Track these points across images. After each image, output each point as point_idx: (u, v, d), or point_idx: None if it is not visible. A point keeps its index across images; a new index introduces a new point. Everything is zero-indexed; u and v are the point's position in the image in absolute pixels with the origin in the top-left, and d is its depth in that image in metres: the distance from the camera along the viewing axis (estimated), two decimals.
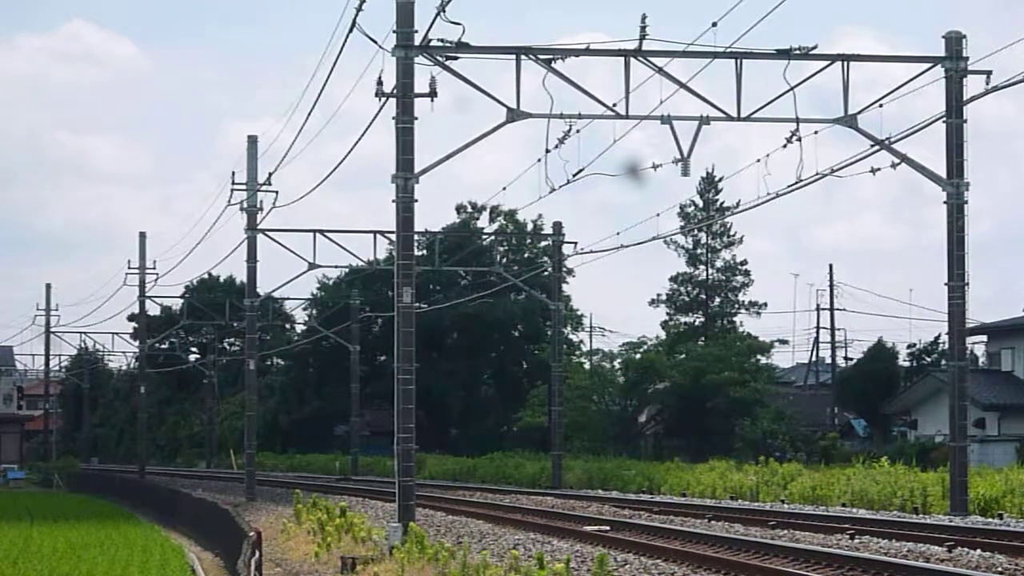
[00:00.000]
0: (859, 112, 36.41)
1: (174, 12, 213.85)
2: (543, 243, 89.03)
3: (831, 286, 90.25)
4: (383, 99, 32.62)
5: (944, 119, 36.57)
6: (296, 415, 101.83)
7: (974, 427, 58.32)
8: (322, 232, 56.99)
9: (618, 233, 51.66)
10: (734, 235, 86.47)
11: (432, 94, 32.55)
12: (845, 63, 35.74)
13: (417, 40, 32.10)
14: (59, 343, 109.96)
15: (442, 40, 32.75)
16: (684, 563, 24.68)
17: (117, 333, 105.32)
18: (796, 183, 36.51)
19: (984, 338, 72.72)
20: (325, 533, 31.55)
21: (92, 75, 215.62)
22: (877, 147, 36.47)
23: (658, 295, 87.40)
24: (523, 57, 34.10)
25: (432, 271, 74.53)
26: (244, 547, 25.29)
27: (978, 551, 25.16)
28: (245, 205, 56.03)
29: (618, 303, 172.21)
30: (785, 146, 36.12)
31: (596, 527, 32.70)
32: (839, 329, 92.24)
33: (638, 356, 79.31)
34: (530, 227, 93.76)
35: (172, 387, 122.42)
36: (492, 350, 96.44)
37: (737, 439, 72.70)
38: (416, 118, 31.94)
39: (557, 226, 60.57)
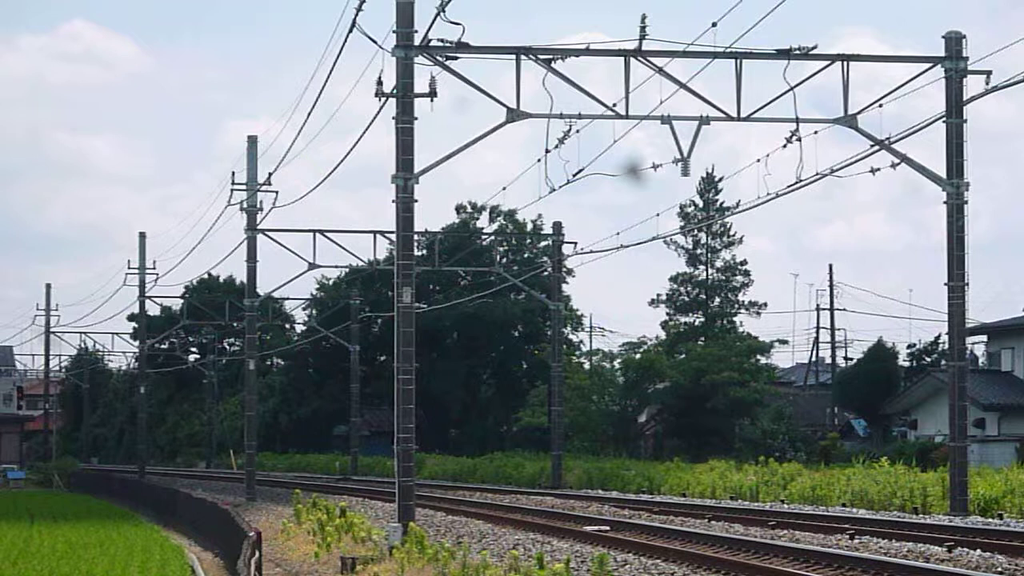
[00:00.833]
0: (859, 112, 36.42)
1: (174, 12, 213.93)
2: (543, 243, 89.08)
3: (831, 286, 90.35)
4: (383, 99, 32.63)
5: (944, 119, 36.58)
6: (296, 415, 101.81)
7: (974, 427, 58.31)
8: (322, 232, 57.03)
9: (618, 233, 51.73)
10: (734, 235, 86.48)
11: (432, 94, 32.54)
12: (845, 63, 35.75)
13: (417, 40, 32.11)
14: (59, 343, 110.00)
15: (442, 40, 32.76)
16: (684, 563, 24.69)
17: (117, 333, 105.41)
18: (796, 183, 36.53)
19: (984, 338, 72.71)
20: (325, 533, 31.55)
21: (92, 75, 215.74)
22: (877, 147, 36.48)
23: (658, 295, 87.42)
24: (523, 57, 34.11)
25: (432, 271, 74.52)
26: (244, 547, 25.27)
27: (978, 551, 25.16)
28: (245, 205, 56.05)
29: (618, 303, 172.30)
30: (785, 146, 36.14)
31: (596, 527, 32.70)
32: (839, 329, 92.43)
33: (638, 356, 79.29)
34: (530, 227, 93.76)
35: (172, 387, 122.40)
36: (492, 350, 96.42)
37: (737, 439, 72.69)
38: (416, 118, 31.96)
39: (557, 226, 60.57)
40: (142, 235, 79.79)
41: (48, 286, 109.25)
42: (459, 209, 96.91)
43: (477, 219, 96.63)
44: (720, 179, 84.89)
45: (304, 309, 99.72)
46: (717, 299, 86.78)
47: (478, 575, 22.01)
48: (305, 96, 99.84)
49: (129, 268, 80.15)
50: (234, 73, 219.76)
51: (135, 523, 48.35)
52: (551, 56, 34.22)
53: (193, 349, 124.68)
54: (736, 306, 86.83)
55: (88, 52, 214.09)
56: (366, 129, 36.14)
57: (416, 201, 32.17)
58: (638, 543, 28.08)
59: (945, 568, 21.78)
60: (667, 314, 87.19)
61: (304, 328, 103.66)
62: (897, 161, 36.64)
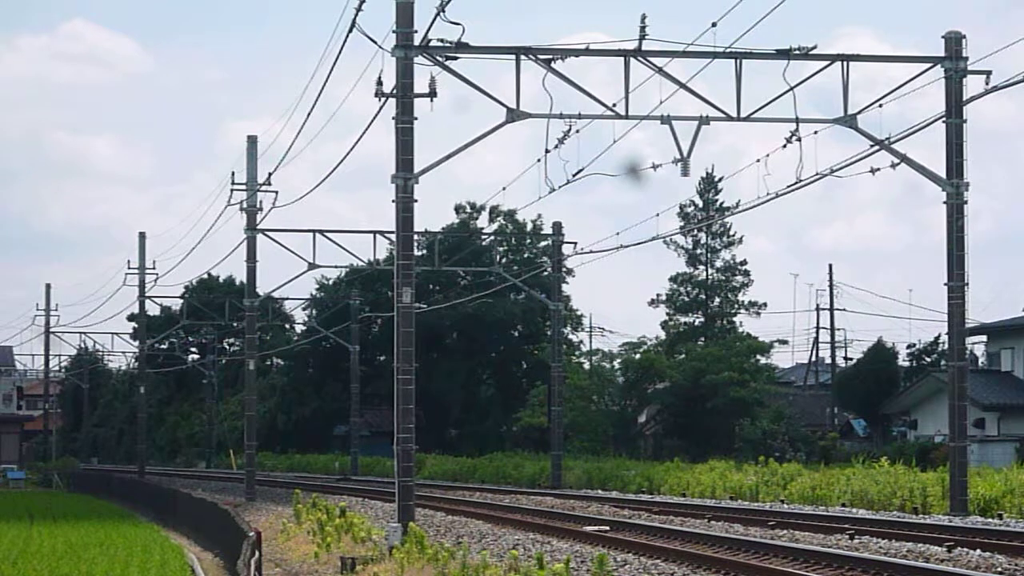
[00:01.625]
0: (859, 112, 36.42)
1: (174, 12, 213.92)
2: (543, 243, 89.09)
3: (831, 286, 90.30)
4: (383, 99, 32.66)
5: (944, 119, 36.58)
6: (296, 415, 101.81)
7: (974, 427, 58.32)
8: (322, 232, 57.02)
9: (618, 233, 51.76)
10: (734, 235, 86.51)
11: (432, 94, 32.56)
12: (845, 63, 35.75)
13: (417, 40, 32.12)
14: (59, 343, 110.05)
15: (442, 40, 32.76)
16: (684, 563, 24.69)
17: (117, 333, 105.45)
18: (796, 183, 36.53)
19: (984, 338, 72.73)
20: (325, 533, 31.55)
21: (92, 75, 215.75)
22: (877, 147, 36.48)
23: (658, 295, 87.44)
24: (523, 57, 34.11)
25: (432, 271, 74.53)
26: (244, 547, 25.27)
27: (978, 551, 25.16)
28: (245, 205, 56.08)
29: (618, 303, 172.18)
30: (785, 146, 36.14)
31: (596, 527, 32.70)
32: (839, 329, 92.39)
33: (638, 356, 79.29)
34: (530, 227, 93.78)
35: (172, 387, 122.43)
36: (492, 350, 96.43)
37: (737, 439, 72.69)
38: (416, 118, 31.98)
39: (557, 226, 60.56)
40: (142, 235, 79.84)
41: (48, 286, 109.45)
42: (459, 209, 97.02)
43: (477, 219, 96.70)
44: (720, 179, 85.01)
45: (304, 309, 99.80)
46: (717, 299, 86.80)
47: (478, 575, 22.01)
48: (305, 96, 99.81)
49: (129, 268, 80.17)
50: (234, 73, 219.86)
51: (135, 523, 48.34)
52: (551, 56, 34.23)
53: (193, 349, 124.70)
54: (736, 306, 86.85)
55: (88, 52, 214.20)
56: (366, 129, 36.22)
57: (416, 201, 32.20)
58: (638, 543, 28.08)
59: (945, 568, 21.78)
60: (667, 314, 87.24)
61: (304, 328, 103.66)
62: (897, 161, 36.65)
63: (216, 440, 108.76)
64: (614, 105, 34.92)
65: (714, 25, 32.66)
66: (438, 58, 32.99)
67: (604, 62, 36.75)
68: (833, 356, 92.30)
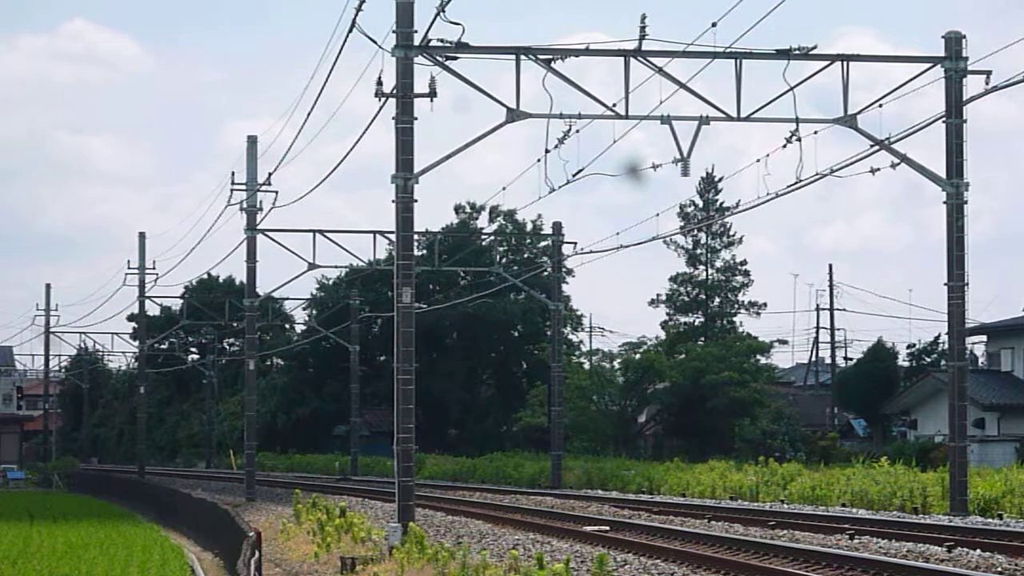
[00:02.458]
0: (859, 112, 36.41)
1: (174, 12, 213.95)
2: (543, 243, 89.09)
3: (831, 286, 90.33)
4: (383, 99, 32.64)
5: (944, 119, 36.58)
6: (296, 415, 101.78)
7: (974, 427, 58.32)
8: (322, 232, 57.02)
9: (618, 233, 51.74)
10: (734, 235, 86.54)
11: (432, 94, 32.55)
12: (845, 63, 35.74)
13: (417, 40, 32.11)
14: (59, 343, 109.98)
15: (442, 40, 32.75)
16: (684, 563, 24.69)
17: (117, 333, 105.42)
18: (796, 183, 36.52)
19: (984, 338, 72.71)
20: (325, 533, 31.56)
21: (93, 75, 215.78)
22: (877, 147, 36.48)
23: (658, 295, 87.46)
24: (523, 57, 34.10)
25: (432, 271, 74.51)
26: (244, 547, 25.27)
27: (978, 551, 25.16)
28: (245, 205, 56.07)
29: (618, 303, 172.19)
30: (785, 146, 36.13)
31: (596, 527, 32.70)
32: (839, 329, 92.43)
33: (638, 356, 79.27)
34: (530, 227, 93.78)
35: (171, 387, 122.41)
36: (492, 350, 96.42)
37: (737, 439, 72.68)
38: (416, 118, 31.97)
39: (557, 226, 60.56)
40: (142, 235, 79.86)
41: (48, 286, 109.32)
42: (459, 209, 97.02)
43: (477, 219, 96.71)
44: (720, 179, 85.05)
45: (304, 309, 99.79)
46: (717, 299, 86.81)
47: (478, 575, 22.01)
48: (305, 96, 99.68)
49: (129, 268, 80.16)
50: (234, 73, 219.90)
51: (135, 523, 48.34)
52: (551, 56, 34.21)
53: (193, 349, 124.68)
54: (736, 306, 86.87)
55: (89, 52, 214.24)
56: (366, 129, 36.20)
57: (416, 201, 32.19)
58: (638, 543, 28.08)
59: (945, 568, 21.78)
60: (667, 314, 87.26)
61: (304, 328, 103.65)
62: (897, 161, 36.64)
63: (216, 440, 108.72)
64: (614, 105, 34.92)
65: (714, 25, 32.68)
66: (438, 58, 32.98)
67: (604, 62, 36.79)
68: (833, 356, 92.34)
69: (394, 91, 32.00)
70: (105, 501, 67.63)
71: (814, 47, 35.29)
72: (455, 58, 33.20)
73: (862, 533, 29.11)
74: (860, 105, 36.61)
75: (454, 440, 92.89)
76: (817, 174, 36.56)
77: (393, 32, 31.83)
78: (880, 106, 36.33)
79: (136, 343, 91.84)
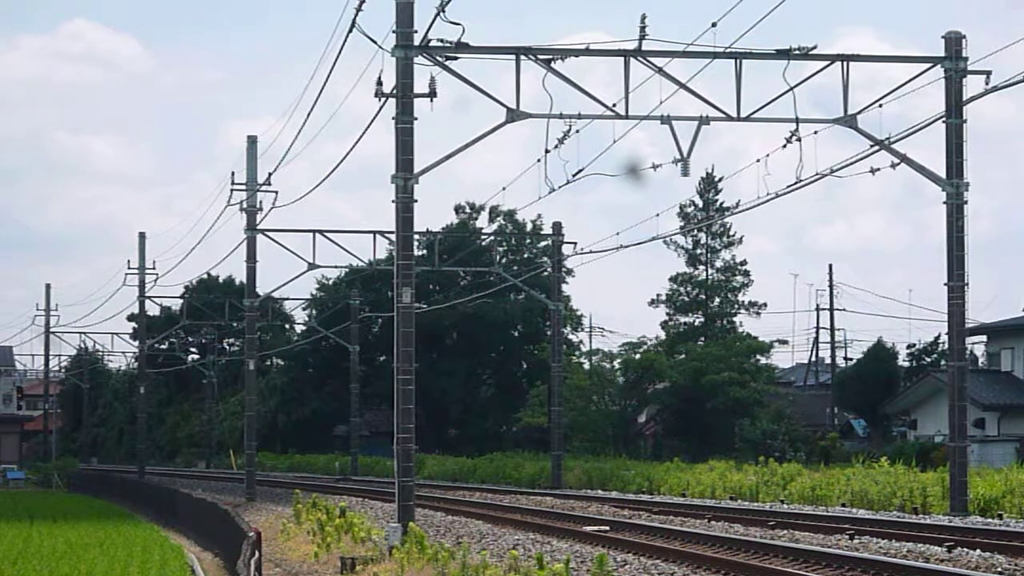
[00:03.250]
0: (859, 112, 36.41)
1: (174, 12, 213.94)
2: (543, 243, 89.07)
3: (831, 286, 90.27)
4: (383, 99, 32.65)
5: (944, 119, 36.58)
6: (296, 415, 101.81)
7: (974, 427, 58.31)
8: (322, 232, 57.01)
9: (618, 233, 51.80)
10: (734, 235, 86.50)
11: (432, 94, 32.56)
12: (845, 63, 35.74)
13: (417, 40, 32.12)
14: (59, 343, 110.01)
15: (442, 40, 32.75)
16: (684, 563, 24.69)
17: (117, 333, 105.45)
18: (796, 183, 36.51)
19: (984, 338, 72.69)
20: (325, 533, 31.56)
21: (93, 75, 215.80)
22: (877, 147, 36.47)
23: (658, 295, 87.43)
24: (523, 57, 34.10)
25: (432, 271, 74.50)
26: (244, 547, 25.26)
27: (978, 551, 25.16)
28: (245, 205, 56.08)
29: (618, 303, 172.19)
30: (785, 146, 36.12)
31: (596, 527, 32.70)
32: (839, 329, 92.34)
33: (638, 356, 79.27)
34: (530, 227, 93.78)
35: (171, 387, 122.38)
36: (492, 350, 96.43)
37: (737, 439, 72.66)
38: (416, 118, 31.98)
39: (557, 226, 60.56)
40: (142, 235, 79.84)
41: (48, 286, 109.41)
42: (459, 209, 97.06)
43: (477, 219, 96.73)
44: (720, 179, 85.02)
45: (304, 309, 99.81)
46: (717, 299, 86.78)
47: (478, 575, 22.01)
48: (305, 96, 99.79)
49: (129, 268, 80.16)
50: (234, 73, 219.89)
51: (135, 523, 48.33)
52: (551, 56, 34.21)
53: (193, 349, 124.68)
54: (736, 306, 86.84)
55: (89, 52, 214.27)
56: (366, 129, 36.20)
57: (416, 201, 32.20)
58: (638, 543, 28.08)
59: (945, 568, 21.78)
60: (667, 314, 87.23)
61: (304, 328, 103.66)
62: (897, 161, 36.63)
63: (216, 440, 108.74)
64: (614, 105, 34.93)
65: (714, 25, 32.67)
66: (438, 58, 32.98)
67: (604, 62, 36.80)
68: (833, 356, 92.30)
69: (394, 91, 32.01)
70: (105, 501, 67.62)
71: (814, 47, 35.30)
72: (455, 58, 33.21)
73: (862, 533, 29.11)
74: (860, 105, 36.64)
75: (454, 440, 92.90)
76: (817, 174, 36.56)
77: (393, 32, 31.84)
78: (880, 106, 36.35)
79: (136, 343, 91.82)
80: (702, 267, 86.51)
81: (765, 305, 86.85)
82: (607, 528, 32.56)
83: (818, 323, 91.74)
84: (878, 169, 36.94)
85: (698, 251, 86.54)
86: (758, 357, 79.51)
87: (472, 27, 32.45)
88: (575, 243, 59.70)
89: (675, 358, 79.58)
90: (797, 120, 35.78)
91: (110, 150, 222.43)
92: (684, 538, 29.37)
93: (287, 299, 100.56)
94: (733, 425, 74.05)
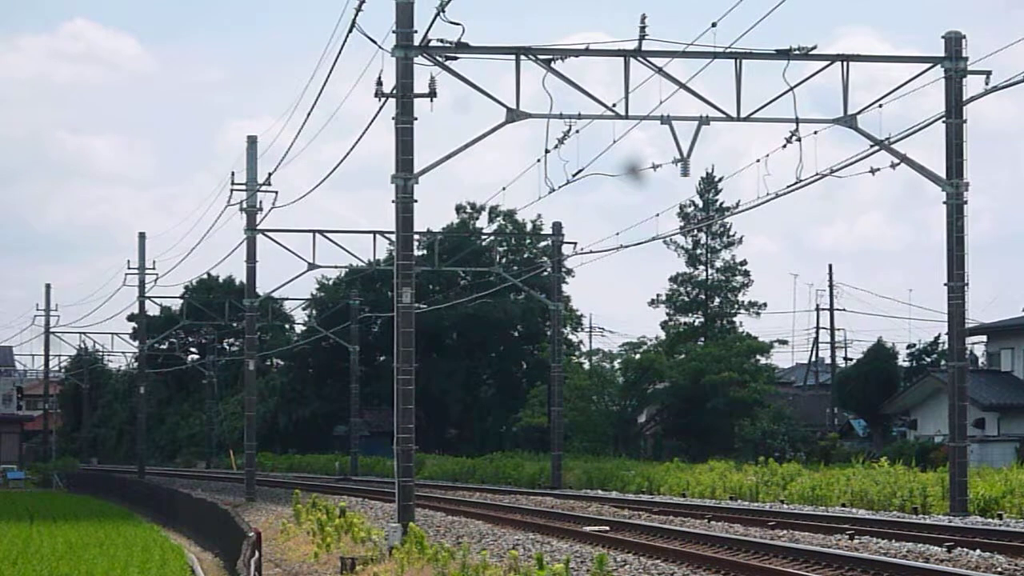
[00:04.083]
0: (859, 112, 36.41)
1: (175, 12, 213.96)
2: (543, 243, 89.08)
3: (831, 286, 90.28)
4: (383, 99, 32.65)
5: (944, 119, 36.58)
6: (296, 415, 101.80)
7: (974, 427, 58.31)
8: (322, 232, 57.03)
9: (618, 233, 51.75)
10: (734, 235, 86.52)
11: (432, 94, 32.55)
12: (845, 63, 35.74)
13: (417, 40, 32.11)
14: (59, 343, 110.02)
15: (442, 40, 32.75)
16: (684, 563, 24.69)
17: (117, 333, 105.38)
18: (796, 183, 36.50)
19: (984, 338, 72.69)
20: (324, 533, 31.55)
21: (93, 75, 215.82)
22: (877, 147, 36.47)
23: (658, 295, 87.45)
24: (523, 57, 34.10)
25: (432, 271, 74.50)
26: (244, 547, 25.27)
27: (978, 551, 25.16)
28: (245, 205, 56.08)
29: (618, 303, 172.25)
30: (785, 146, 36.11)
31: (596, 527, 32.70)
32: (839, 329, 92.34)
33: (638, 356, 79.27)
34: (530, 227, 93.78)
35: (171, 387, 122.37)
36: (492, 350, 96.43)
37: (737, 439, 72.70)
38: (416, 118, 31.98)
39: (557, 226, 60.57)
40: (142, 235, 79.83)
41: (48, 286, 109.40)
42: (459, 209, 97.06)
43: (477, 219, 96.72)
44: (720, 179, 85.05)
45: (304, 309, 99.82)
46: (717, 299, 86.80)
47: (478, 575, 22.00)
48: (305, 96, 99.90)
49: (129, 268, 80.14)
50: (234, 73, 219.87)
51: (135, 523, 48.32)
52: (551, 56, 34.22)
53: (193, 349, 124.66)
54: (736, 306, 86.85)
55: (89, 52, 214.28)
56: (366, 129, 36.20)
57: (416, 201, 32.20)
58: (638, 543, 28.08)
59: (945, 568, 21.78)
60: (667, 314, 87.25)
61: (304, 328, 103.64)
62: (897, 161, 36.63)
63: (216, 440, 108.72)
64: (614, 105, 34.93)
65: (714, 25, 32.66)
66: (438, 58, 32.98)
67: (604, 62, 36.76)
68: (833, 356, 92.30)
69: (394, 91, 32.01)
70: (105, 501, 67.62)
71: (814, 47, 35.31)
72: (455, 58, 33.21)
73: (862, 533, 29.11)
74: (860, 105, 36.64)
75: (454, 440, 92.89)
76: (817, 174, 36.56)
77: (393, 32, 31.84)
78: (880, 106, 36.34)
79: (136, 343, 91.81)
80: (702, 267, 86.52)
81: (765, 305, 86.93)
82: (607, 528, 32.56)
83: (818, 323, 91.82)
84: (878, 169, 36.95)
85: (698, 251, 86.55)
86: (758, 357, 79.50)
87: (472, 27, 32.49)
88: (575, 243, 59.74)
89: (675, 358, 79.58)
90: (797, 120, 35.79)
91: (110, 150, 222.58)
92: (684, 538, 29.38)
93: (287, 299, 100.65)
94: (733, 425, 74.09)
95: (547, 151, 35.81)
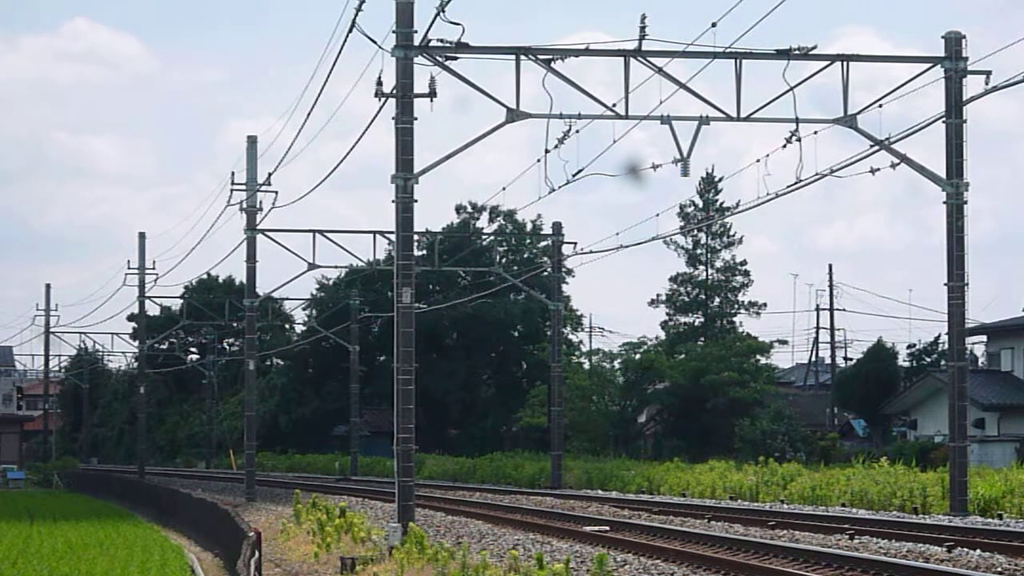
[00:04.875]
0: (859, 112, 36.41)
1: (175, 12, 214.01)
2: (543, 243, 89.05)
3: (831, 286, 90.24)
4: (383, 99, 32.64)
5: (944, 119, 36.58)
6: (296, 415, 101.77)
7: (974, 427, 58.30)
8: (322, 232, 57.01)
9: (618, 233, 51.75)
10: (734, 235, 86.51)
11: (432, 94, 32.55)
12: (845, 63, 35.74)
13: (417, 40, 32.11)
14: (59, 343, 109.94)
15: (442, 40, 32.76)
16: (684, 563, 24.69)
17: (117, 333, 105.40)
18: (796, 183, 36.52)
19: (984, 338, 72.69)
20: (325, 533, 31.55)
21: (93, 75, 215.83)
22: (877, 147, 36.47)
23: (658, 295, 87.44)
24: (523, 57, 34.10)
25: (432, 271, 74.50)
26: (244, 547, 25.27)
27: (978, 551, 25.16)
28: (245, 205, 56.08)
29: (618, 303, 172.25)
30: (785, 146, 36.12)
31: (596, 527, 32.70)
32: (839, 329, 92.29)
33: (638, 356, 79.26)
34: (530, 227, 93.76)
35: (171, 387, 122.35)
36: (492, 350, 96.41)
37: (737, 439, 72.65)
38: (416, 118, 31.97)
39: (557, 226, 60.57)
40: (142, 235, 79.82)
41: (48, 286, 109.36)
42: (459, 209, 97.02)
43: (477, 219, 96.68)
44: (720, 179, 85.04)
45: (304, 309, 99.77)
46: (717, 299, 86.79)
47: (478, 575, 22.00)
48: (305, 96, 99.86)
49: (129, 268, 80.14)
50: (234, 73, 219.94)
51: (135, 523, 48.32)
52: (551, 56, 34.22)
53: (193, 349, 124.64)
54: (736, 306, 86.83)
55: (90, 52, 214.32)
56: (366, 129, 36.21)
57: (416, 201, 32.19)
58: (638, 543, 28.08)
59: (945, 568, 21.78)
60: (667, 314, 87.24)
61: (304, 328, 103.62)
62: (897, 161, 36.64)
63: (216, 440, 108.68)
64: (614, 105, 34.93)
65: (714, 25, 32.67)
66: (438, 58, 32.98)
67: (604, 62, 36.78)
68: (833, 356, 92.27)
69: (394, 91, 32.00)
70: (105, 501, 67.62)
71: (814, 47, 35.31)
72: (455, 58, 33.21)
73: (862, 533, 29.12)
74: (860, 105, 36.65)
75: (454, 440, 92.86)
76: (817, 174, 36.57)
77: (393, 32, 31.83)
78: (880, 106, 36.36)
79: (136, 343, 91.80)
80: (702, 267, 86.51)
81: (765, 305, 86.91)
82: (607, 528, 32.56)
83: (818, 323, 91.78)
84: (878, 169, 36.97)
85: (698, 251, 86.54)
86: (758, 357, 79.50)
87: (472, 27, 32.50)
88: (575, 243, 59.78)
89: (675, 358, 79.57)
90: (797, 120, 35.79)
91: (111, 150, 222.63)
92: (684, 538, 29.37)
93: (287, 299, 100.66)
94: (733, 425, 74.03)
95: (547, 151, 35.86)
